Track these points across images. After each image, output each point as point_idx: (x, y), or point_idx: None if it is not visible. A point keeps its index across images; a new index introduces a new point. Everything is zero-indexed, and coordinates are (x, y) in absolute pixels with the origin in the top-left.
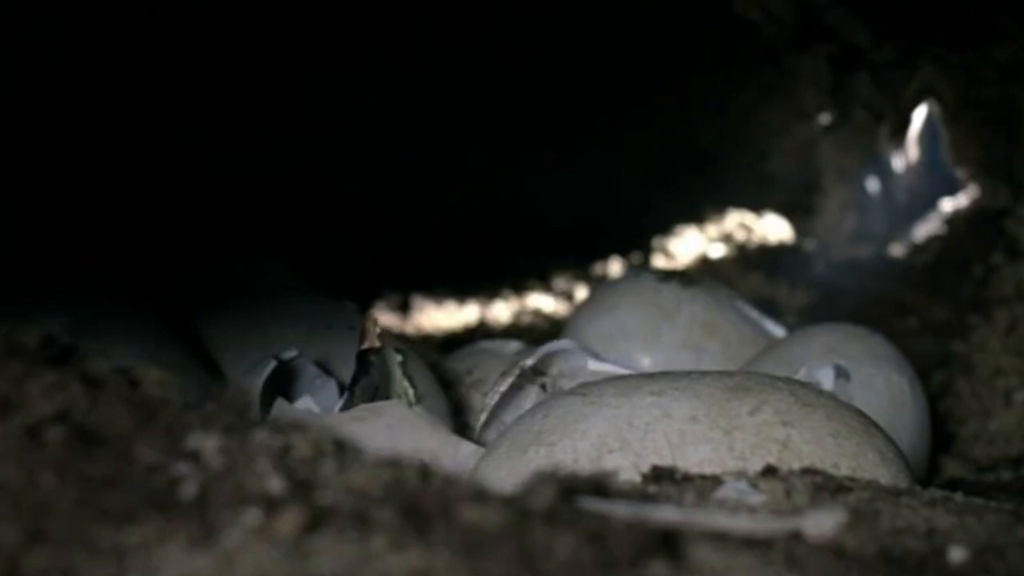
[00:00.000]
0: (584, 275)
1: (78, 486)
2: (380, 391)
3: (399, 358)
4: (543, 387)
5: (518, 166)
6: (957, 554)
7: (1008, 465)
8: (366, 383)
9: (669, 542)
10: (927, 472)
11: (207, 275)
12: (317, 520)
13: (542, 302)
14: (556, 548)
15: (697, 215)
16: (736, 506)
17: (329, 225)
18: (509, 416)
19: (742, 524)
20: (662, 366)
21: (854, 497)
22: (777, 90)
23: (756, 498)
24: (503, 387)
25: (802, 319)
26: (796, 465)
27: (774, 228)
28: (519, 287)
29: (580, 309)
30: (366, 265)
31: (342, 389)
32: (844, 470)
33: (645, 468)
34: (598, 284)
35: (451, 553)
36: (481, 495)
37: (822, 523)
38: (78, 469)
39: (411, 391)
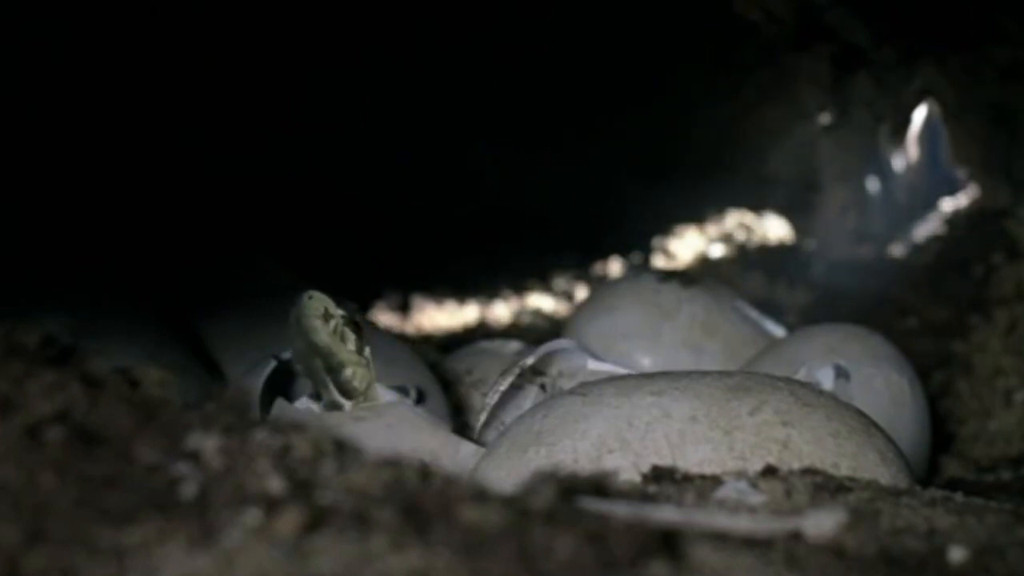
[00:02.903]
0: (584, 275)
1: (78, 486)
2: (299, 349)
3: (341, 311)
4: (543, 387)
5: (518, 166)
6: (957, 554)
7: (1008, 465)
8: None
9: (669, 542)
10: (927, 472)
11: (207, 275)
12: (317, 520)
13: (542, 302)
14: (556, 548)
15: (697, 215)
16: (736, 506)
17: (329, 225)
18: (509, 416)
19: (742, 524)
20: (662, 366)
21: (854, 497)
22: (777, 90)
23: (756, 498)
24: (503, 387)
25: (802, 319)
26: (796, 465)
27: (774, 228)
28: (519, 287)
29: (580, 309)
30: (366, 265)
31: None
32: (844, 470)
33: (645, 468)
34: (598, 284)
35: (451, 553)
36: (481, 495)
37: (822, 523)
38: (78, 469)
39: (353, 337)
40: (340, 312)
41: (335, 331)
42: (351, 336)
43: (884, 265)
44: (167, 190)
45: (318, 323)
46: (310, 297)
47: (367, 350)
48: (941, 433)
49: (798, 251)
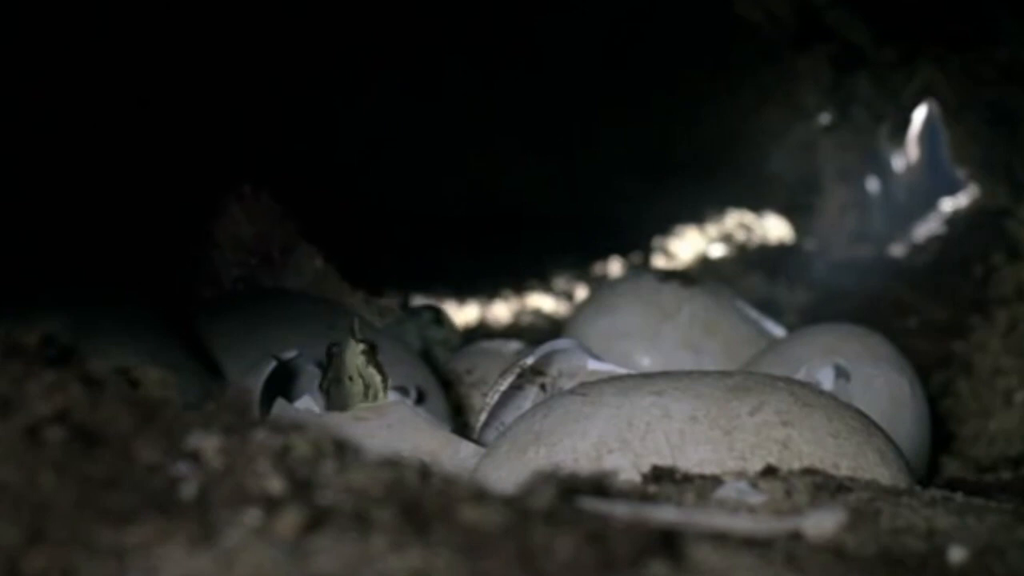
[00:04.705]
0: (584, 275)
1: (78, 486)
2: (335, 384)
3: (361, 346)
4: (543, 387)
5: (518, 166)
6: (957, 554)
7: (1008, 465)
8: (331, 377)
9: (669, 542)
10: (927, 472)
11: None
12: (317, 520)
13: (542, 302)
14: (556, 548)
15: (697, 215)
16: (736, 506)
17: (328, 225)
18: (509, 416)
19: (742, 524)
20: (662, 366)
21: (854, 497)
22: (777, 90)
23: (756, 498)
24: (503, 387)
25: (802, 319)
26: (796, 465)
27: (774, 228)
28: (519, 287)
29: (580, 309)
30: (365, 265)
31: None
32: (844, 470)
33: (645, 468)
34: (598, 284)
35: (451, 553)
36: (481, 495)
37: (822, 523)
38: (78, 469)
39: (378, 379)
40: (362, 347)
41: (374, 397)
42: (379, 381)
43: (884, 265)
44: (168, 190)
45: (372, 373)
46: (352, 382)
47: (389, 381)
48: (941, 433)
49: (798, 251)
